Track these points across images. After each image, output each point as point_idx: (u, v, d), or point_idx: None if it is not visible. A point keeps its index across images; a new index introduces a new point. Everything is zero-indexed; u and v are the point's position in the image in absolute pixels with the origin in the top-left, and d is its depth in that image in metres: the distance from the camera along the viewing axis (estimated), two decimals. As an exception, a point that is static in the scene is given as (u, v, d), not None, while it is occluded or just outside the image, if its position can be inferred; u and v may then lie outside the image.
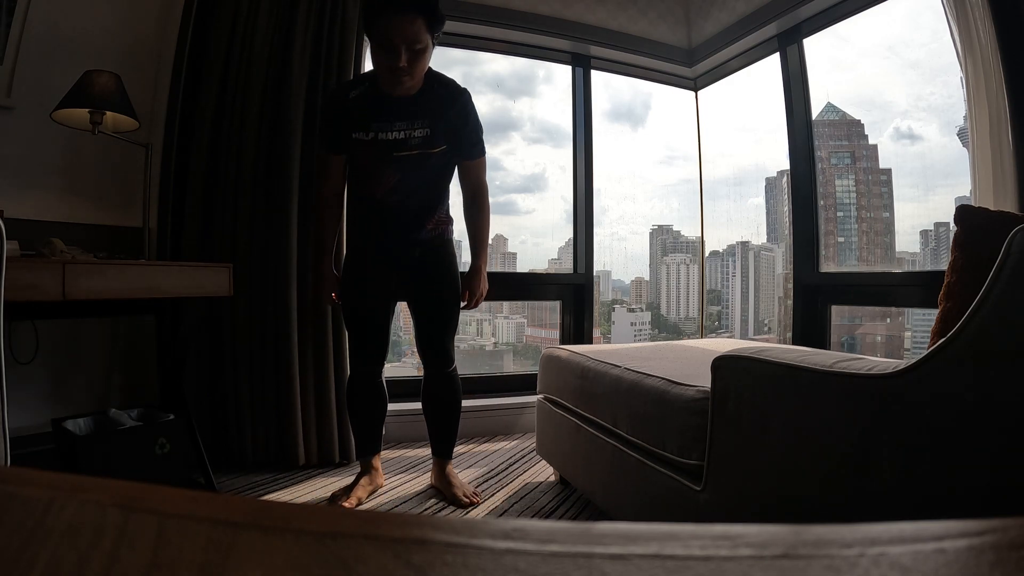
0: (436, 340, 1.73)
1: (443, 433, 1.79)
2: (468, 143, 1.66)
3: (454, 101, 1.60)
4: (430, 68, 1.61)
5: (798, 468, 0.87)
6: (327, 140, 1.66)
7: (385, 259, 1.69)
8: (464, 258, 2.00)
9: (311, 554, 0.14)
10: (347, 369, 1.96)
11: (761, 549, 0.14)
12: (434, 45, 1.53)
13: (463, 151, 1.67)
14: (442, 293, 1.72)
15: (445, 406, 1.77)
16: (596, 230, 2.98)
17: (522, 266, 3.16)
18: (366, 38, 2.12)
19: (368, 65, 2.25)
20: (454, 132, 1.62)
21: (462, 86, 1.64)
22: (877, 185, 2.63)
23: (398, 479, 1.89)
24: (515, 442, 2.36)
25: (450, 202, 1.77)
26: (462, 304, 1.76)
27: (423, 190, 1.66)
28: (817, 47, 2.59)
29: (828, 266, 2.60)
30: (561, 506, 1.69)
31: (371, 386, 1.75)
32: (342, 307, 1.76)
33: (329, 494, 1.73)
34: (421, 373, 1.79)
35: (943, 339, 0.69)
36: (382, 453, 1.86)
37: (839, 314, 2.58)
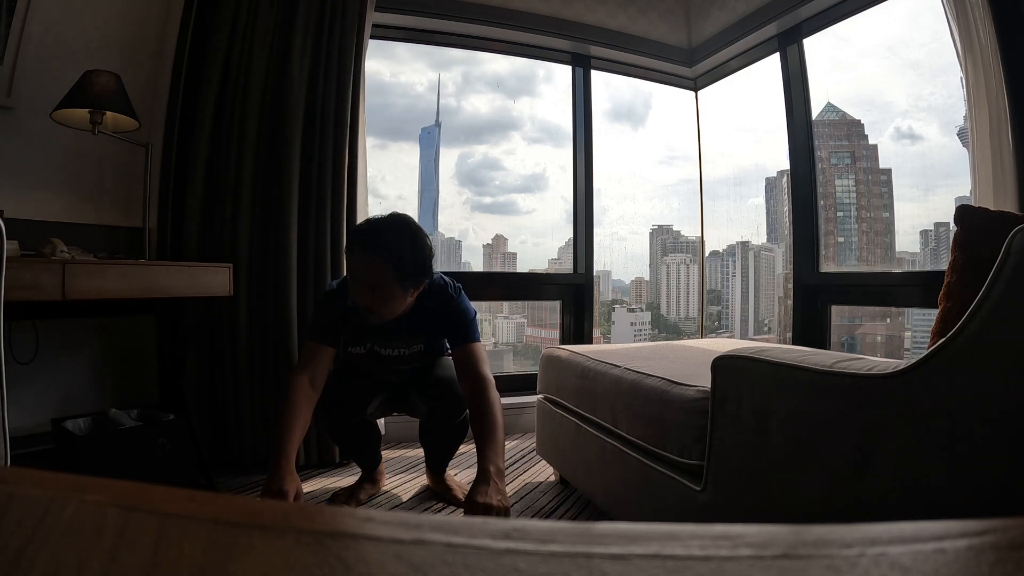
0: (446, 392, 1.58)
1: (441, 458, 1.77)
2: (461, 334, 1.50)
3: (448, 313, 1.51)
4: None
5: (798, 468, 0.87)
6: (320, 335, 1.48)
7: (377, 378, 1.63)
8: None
9: (311, 554, 0.14)
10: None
11: (761, 549, 0.14)
12: (411, 295, 1.43)
13: (455, 339, 1.52)
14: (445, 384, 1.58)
15: (450, 442, 1.73)
16: (596, 230, 2.98)
17: (522, 266, 3.16)
18: (367, 38, 2.14)
19: (368, 64, 2.25)
20: (449, 332, 1.55)
21: (454, 289, 1.53)
22: (877, 185, 2.63)
23: (398, 479, 1.89)
24: (515, 442, 2.36)
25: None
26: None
27: (421, 368, 1.62)
28: (817, 47, 2.59)
29: (828, 266, 2.60)
30: (561, 506, 1.69)
31: (359, 426, 1.66)
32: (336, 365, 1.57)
33: (329, 494, 1.73)
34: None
35: (943, 339, 0.69)
36: (382, 453, 1.86)
37: (839, 314, 2.58)
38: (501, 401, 1.41)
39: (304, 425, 1.37)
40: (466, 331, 1.50)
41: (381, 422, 1.82)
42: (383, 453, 1.86)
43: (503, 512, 1.18)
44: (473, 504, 1.18)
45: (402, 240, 1.37)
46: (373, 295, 1.38)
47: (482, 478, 1.23)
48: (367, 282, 1.37)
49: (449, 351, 1.66)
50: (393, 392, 1.68)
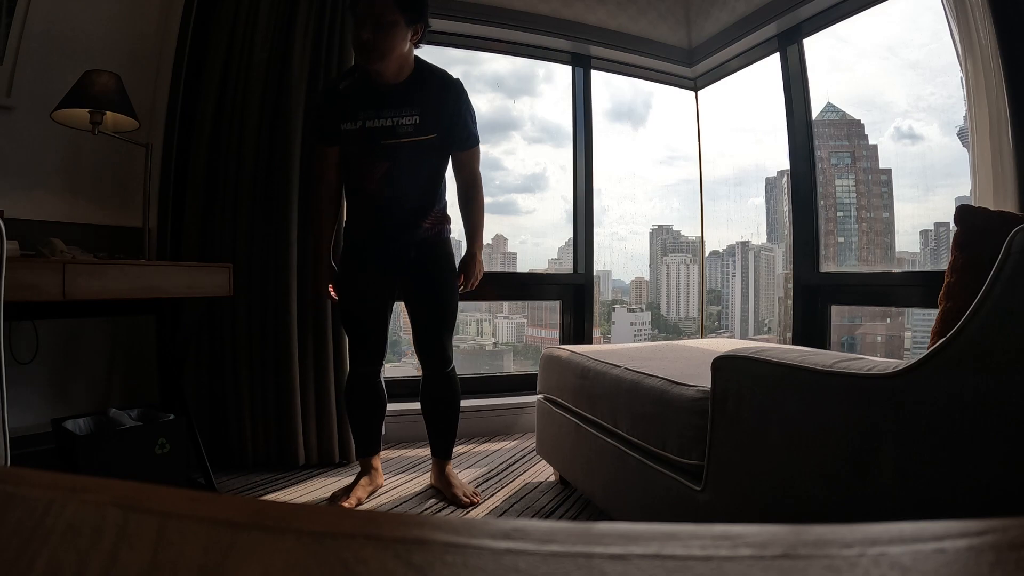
0: (434, 341, 1.72)
1: (442, 433, 1.78)
2: (461, 134, 1.65)
3: (445, 89, 1.60)
4: (421, 58, 1.61)
5: (798, 468, 0.87)
6: (318, 131, 1.68)
7: (381, 259, 1.68)
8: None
9: (311, 554, 0.14)
10: (347, 369, 1.96)
11: (761, 549, 0.14)
12: (412, 31, 1.53)
13: (455, 142, 1.65)
14: (439, 294, 1.71)
15: (444, 407, 1.77)
16: (596, 230, 2.98)
17: (522, 266, 3.16)
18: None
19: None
20: (446, 121, 1.61)
21: (455, 76, 1.64)
22: (877, 185, 2.63)
23: (398, 479, 1.89)
24: (515, 442, 2.36)
25: (447, 200, 1.77)
26: (459, 288, 1.77)
27: (415, 183, 1.64)
28: (817, 47, 2.59)
29: (828, 266, 2.60)
30: (561, 506, 1.69)
31: (369, 387, 1.75)
32: (339, 308, 1.76)
33: (329, 494, 1.73)
34: (420, 373, 1.79)
35: (943, 339, 0.69)
36: (382, 453, 1.86)
37: (839, 314, 2.58)
38: (483, 197, 1.78)
39: (333, 221, 1.74)
40: (467, 139, 1.67)
41: (386, 400, 1.83)
42: (383, 452, 1.86)
43: (480, 273, 1.79)
44: (463, 265, 1.77)
45: None
46: (376, 27, 1.46)
47: (470, 257, 1.78)
48: (371, 13, 1.46)
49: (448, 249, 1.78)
50: (397, 285, 1.73)
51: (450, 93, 1.60)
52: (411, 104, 1.57)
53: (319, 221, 1.73)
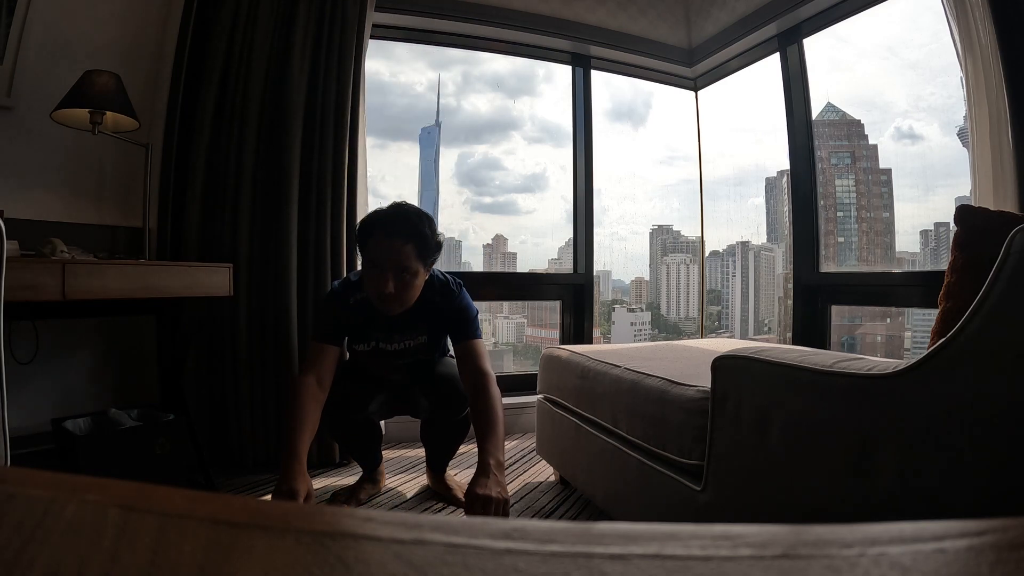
0: (448, 389, 1.60)
1: (443, 456, 1.77)
2: (463, 330, 1.54)
3: (450, 308, 1.54)
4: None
5: (798, 468, 0.87)
6: (325, 334, 1.51)
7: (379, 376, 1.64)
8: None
9: (311, 554, 0.14)
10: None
11: (761, 549, 0.14)
12: (427, 272, 1.48)
13: (457, 335, 1.55)
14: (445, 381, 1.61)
15: (451, 440, 1.73)
16: (596, 230, 2.98)
17: (522, 266, 3.16)
18: (367, 38, 2.14)
19: (368, 64, 2.25)
20: (450, 325, 1.57)
21: (455, 284, 1.57)
22: (877, 185, 2.63)
23: (398, 479, 1.89)
24: (515, 442, 2.36)
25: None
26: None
27: (424, 362, 1.64)
28: (817, 47, 2.59)
29: (828, 266, 2.60)
30: (561, 506, 1.69)
31: (361, 423, 1.68)
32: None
33: (329, 494, 1.73)
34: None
35: (943, 339, 0.69)
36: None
37: (839, 314, 2.58)
38: (501, 397, 1.43)
39: (313, 426, 1.39)
40: (468, 327, 1.53)
41: (382, 423, 1.82)
42: (383, 453, 1.86)
43: (503, 504, 1.19)
44: (473, 496, 1.18)
45: (420, 218, 1.45)
46: (398, 280, 1.41)
47: (482, 471, 1.25)
48: (393, 265, 1.40)
49: (451, 353, 1.67)
50: (395, 392, 1.68)
51: (456, 309, 1.54)
52: (421, 326, 1.57)
53: (298, 418, 1.35)
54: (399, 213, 1.45)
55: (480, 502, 1.17)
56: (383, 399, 1.68)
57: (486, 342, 1.64)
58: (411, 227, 1.42)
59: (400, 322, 1.53)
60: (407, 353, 1.59)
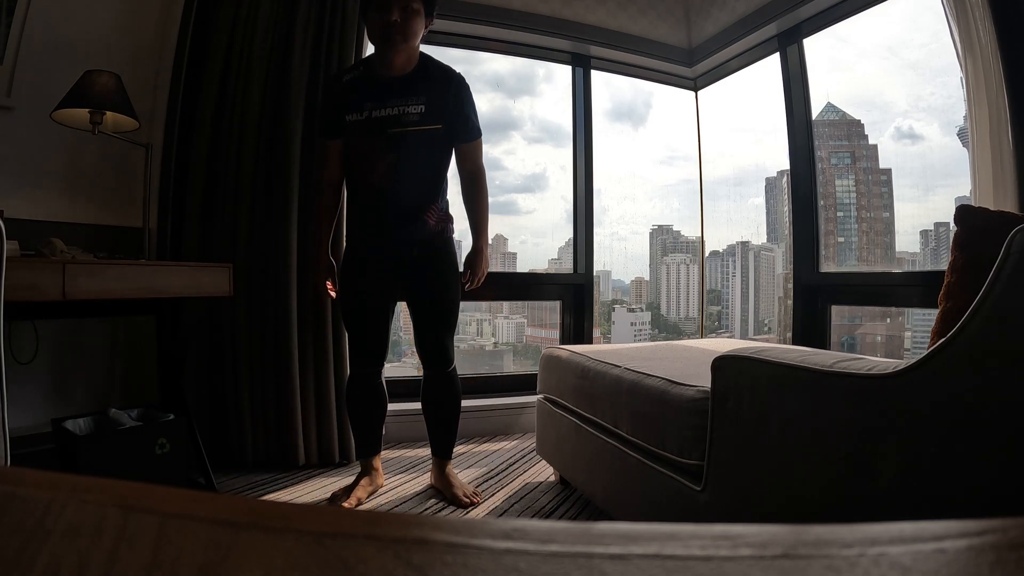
0: (435, 341, 1.72)
1: (443, 433, 1.78)
2: (463, 125, 1.66)
3: (448, 82, 1.63)
4: (424, 52, 1.64)
5: (798, 468, 0.87)
6: (323, 126, 1.69)
7: (383, 258, 1.68)
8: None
9: (311, 554, 0.14)
10: (347, 369, 1.96)
11: (761, 549, 0.14)
12: (427, 23, 1.61)
13: (458, 133, 1.67)
14: (441, 294, 1.71)
15: (445, 407, 1.77)
16: (596, 230, 2.98)
17: (522, 266, 3.16)
18: (367, 38, 2.14)
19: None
20: (449, 114, 1.63)
21: (457, 71, 1.67)
22: (877, 185, 2.63)
23: (398, 479, 1.89)
24: (515, 442, 2.36)
25: (449, 199, 1.77)
26: (465, 285, 1.76)
27: (419, 176, 1.64)
28: (817, 47, 2.59)
29: (828, 266, 2.60)
30: (561, 506, 1.69)
31: (370, 387, 1.74)
32: (341, 307, 1.76)
33: (329, 494, 1.73)
34: (421, 373, 1.79)
35: (943, 339, 0.69)
36: (382, 453, 1.86)
37: (839, 314, 2.58)
38: (487, 190, 1.77)
39: (334, 212, 1.74)
40: (466, 123, 1.66)
41: (382, 428, 1.82)
42: (383, 452, 1.86)
43: (485, 269, 1.75)
44: (468, 262, 1.75)
45: None
46: (404, 12, 1.52)
47: (476, 251, 1.75)
48: (399, 1, 1.52)
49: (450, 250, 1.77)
50: (399, 285, 1.73)
51: (452, 86, 1.63)
52: (416, 94, 1.60)
53: (319, 212, 1.73)
54: None
55: (470, 267, 1.75)
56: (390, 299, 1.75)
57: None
58: None
59: (395, 86, 1.60)
60: (399, 120, 1.60)
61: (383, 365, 1.79)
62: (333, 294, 1.75)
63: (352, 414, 1.79)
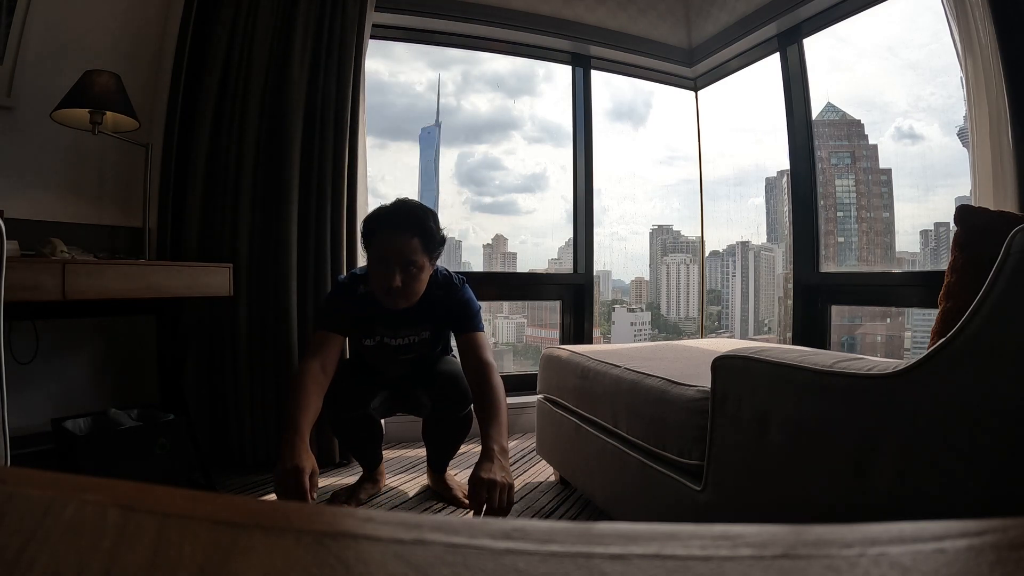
0: (450, 384, 1.61)
1: (444, 455, 1.77)
2: (465, 324, 1.55)
3: (453, 302, 1.56)
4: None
5: (798, 468, 0.87)
6: (331, 324, 1.50)
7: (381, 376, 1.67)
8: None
9: (311, 554, 0.14)
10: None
11: (761, 549, 0.14)
12: (432, 266, 1.51)
13: (459, 328, 1.56)
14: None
15: (453, 437, 1.73)
16: (596, 230, 2.98)
17: (522, 266, 3.16)
18: (367, 38, 2.14)
19: (368, 64, 2.25)
20: (453, 319, 1.58)
21: (458, 280, 1.59)
22: (877, 185, 2.63)
23: (398, 479, 1.89)
24: (515, 442, 2.36)
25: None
26: (470, 512, 1.43)
27: (430, 354, 1.67)
28: (817, 47, 2.59)
29: (828, 266, 2.60)
30: (561, 506, 1.69)
31: (362, 420, 1.68)
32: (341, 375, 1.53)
33: (329, 494, 1.73)
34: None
35: (943, 339, 0.69)
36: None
37: (839, 314, 2.58)
38: (503, 386, 1.43)
39: (316, 408, 1.37)
40: (470, 320, 1.55)
41: (382, 422, 1.82)
42: (383, 453, 1.86)
43: (507, 488, 1.17)
44: (477, 480, 1.17)
45: (425, 213, 1.48)
46: (405, 274, 1.43)
47: (486, 456, 1.24)
48: (400, 259, 1.42)
49: (453, 354, 1.68)
50: (397, 388, 1.69)
51: (458, 303, 1.56)
52: (425, 321, 1.58)
53: (301, 399, 1.33)
54: (404, 208, 1.47)
55: (485, 486, 1.15)
56: (385, 396, 1.69)
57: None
58: (416, 221, 1.44)
59: (404, 316, 1.54)
60: (411, 348, 1.60)
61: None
62: (312, 497, 1.25)
63: (347, 445, 1.76)
